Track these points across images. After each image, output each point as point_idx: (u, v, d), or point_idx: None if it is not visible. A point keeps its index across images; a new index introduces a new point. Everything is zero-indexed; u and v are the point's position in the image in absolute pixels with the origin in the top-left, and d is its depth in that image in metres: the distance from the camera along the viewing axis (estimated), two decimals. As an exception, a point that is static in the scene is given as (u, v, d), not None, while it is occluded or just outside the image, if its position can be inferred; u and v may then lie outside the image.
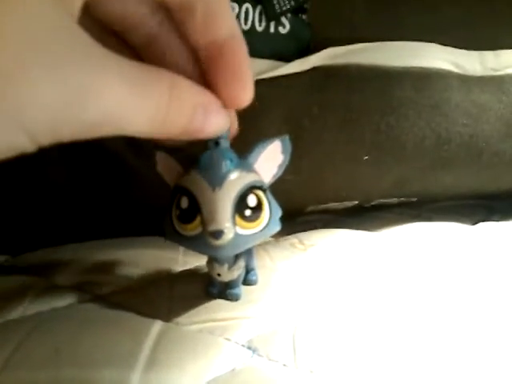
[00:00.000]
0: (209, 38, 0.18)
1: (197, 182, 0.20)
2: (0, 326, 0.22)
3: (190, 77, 0.17)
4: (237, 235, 0.20)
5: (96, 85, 0.13)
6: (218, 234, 0.19)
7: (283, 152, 0.22)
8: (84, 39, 0.13)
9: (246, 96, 0.19)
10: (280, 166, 0.23)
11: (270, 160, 0.22)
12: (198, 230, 0.20)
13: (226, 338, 0.21)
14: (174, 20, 0.19)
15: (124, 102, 0.14)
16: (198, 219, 0.20)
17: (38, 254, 0.31)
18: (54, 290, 0.26)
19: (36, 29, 0.12)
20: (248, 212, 0.20)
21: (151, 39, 0.19)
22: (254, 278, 0.26)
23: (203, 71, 0.19)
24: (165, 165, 0.23)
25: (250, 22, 0.31)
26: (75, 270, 0.28)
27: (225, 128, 0.19)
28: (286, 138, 0.22)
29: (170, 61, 0.20)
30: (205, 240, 0.20)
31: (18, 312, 0.24)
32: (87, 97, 0.13)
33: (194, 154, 0.21)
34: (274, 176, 0.23)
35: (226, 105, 0.19)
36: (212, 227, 0.19)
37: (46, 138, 0.13)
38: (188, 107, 0.17)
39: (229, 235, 0.19)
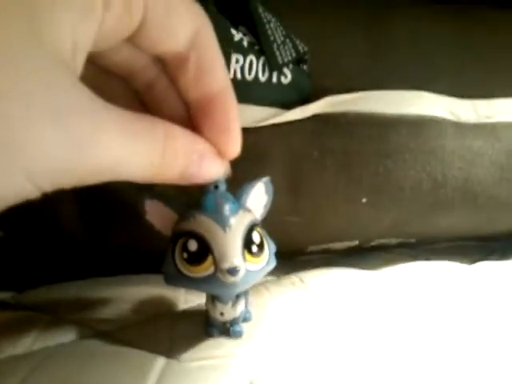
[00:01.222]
0: (200, 91, 0.19)
1: (206, 224, 0.21)
2: (5, 360, 0.23)
3: (186, 125, 0.18)
4: (247, 271, 0.21)
5: (95, 134, 0.14)
6: (234, 271, 0.20)
7: (266, 192, 0.24)
8: (85, 93, 0.14)
9: (232, 149, 0.20)
10: (265, 206, 0.24)
11: (257, 201, 0.24)
12: (210, 271, 0.21)
13: (228, 374, 0.21)
14: (168, 73, 0.20)
15: (122, 151, 0.15)
16: (210, 260, 0.21)
17: (41, 291, 0.32)
18: (58, 326, 0.26)
19: (40, 83, 0.12)
20: (255, 248, 0.21)
21: (151, 86, 0.20)
22: (247, 315, 0.27)
23: (193, 122, 0.20)
24: (156, 213, 0.23)
25: (253, 73, 0.33)
26: (78, 307, 0.29)
27: (221, 173, 0.20)
28: (267, 179, 0.24)
29: (167, 108, 0.20)
30: (217, 279, 0.20)
31: (22, 347, 0.24)
32: (87, 147, 0.13)
33: (188, 201, 0.22)
34: (261, 215, 0.24)
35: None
36: (227, 265, 0.20)
37: (49, 186, 0.14)
38: (182, 155, 0.17)
39: (242, 271, 0.20)
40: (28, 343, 0.25)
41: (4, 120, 0.12)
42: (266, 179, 0.24)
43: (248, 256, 0.21)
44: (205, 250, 0.21)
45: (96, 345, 0.24)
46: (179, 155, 0.17)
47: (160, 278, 0.32)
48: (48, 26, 0.13)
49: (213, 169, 0.19)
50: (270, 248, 0.23)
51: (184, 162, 0.18)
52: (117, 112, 0.15)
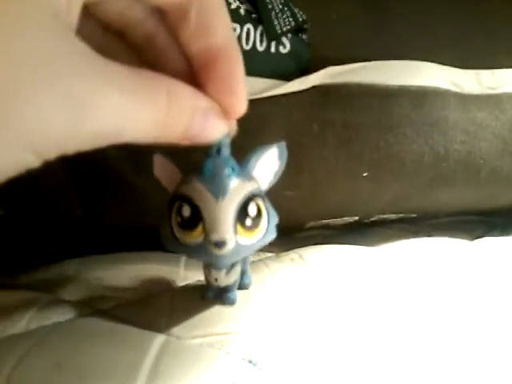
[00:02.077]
0: (202, 45, 0.18)
1: (200, 191, 0.20)
2: (3, 340, 0.22)
3: (188, 81, 0.17)
4: (237, 244, 0.20)
5: (96, 96, 0.13)
6: (221, 244, 0.19)
7: (280, 158, 0.23)
8: (83, 51, 0.13)
9: (239, 105, 0.19)
10: (276, 174, 0.23)
11: (267, 167, 0.22)
12: (200, 239, 0.20)
13: (226, 352, 0.21)
14: (169, 25, 0.18)
15: (124, 112, 0.14)
16: (200, 228, 0.20)
17: (40, 270, 0.32)
18: (56, 304, 0.26)
19: (35, 45, 0.12)
20: (249, 221, 0.20)
21: (150, 39, 0.19)
22: (247, 281, 0.26)
23: (196, 78, 0.19)
24: (163, 169, 0.22)
25: (251, 42, 0.32)
26: (77, 285, 0.28)
27: (224, 133, 0.19)
28: (283, 144, 0.22)
29: (168, 62, 0.19)
30: (206, 249, 0.20)
31: (20, 326, 0.24)
32: (89, 108, 0.13)
33: (194, 161, 0.20)
34: (270, 183, 0.23)
35: None
36: (215, 237, 0.19)
37: (51, 153, 0.13)
38: (187, 112, 0.17)
39: (230, 245, 0.19)
40: (25, 322, 0.24)
41: None
42: (281, 144, 0.22)
43: (240, 229, 0.20)
44: (196, 218, 0.20)
45: (94, 323, 0.24)
46: (183, 112, 0.16)
47: (158, 255, 0.32)
48: None
49: (217, 128, 0.18)
50: (270, 220, 0.21)
51: (188, 119, 0.17)
52: (117, 69, 0.14)
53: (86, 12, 0.16)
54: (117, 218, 0.34)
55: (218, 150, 0.20)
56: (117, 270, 0.30)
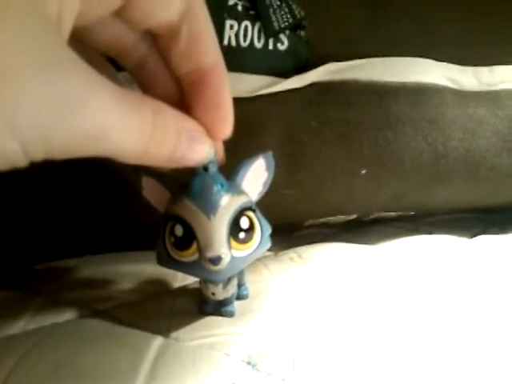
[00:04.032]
0: (191, 65, 0.18)
1: (190, 210, 0.20)
2: (1, 340, 0.22)
3: (175, 104, 0.17)
4: (233, 258, 0.20)
5: (85, 94, 0.13)
6: (217, 260, 0.19)
7: (267, 169, 0.23)
8: (75, 57, 0.13)
9: (223, 128, 0.19)
10: (265, 184, 0.23)
11: (256, 178, 0.22)
12: (195, 257, 0.20)
13: (226, 354, 0.21)
14: (160, 47, 0.19)
15: (110, 116, 0.14)
16: (195, 246, 0.20)
17: (38, 269, 0.31)
18: (55, 305, 0.26)
19: (26, 36, 0.12)
20: (242, 235, 0.20)
21: (141, 64, 0.20)
22: (245, 292, 0.26)
23: (184, 101, 0.19)
24: (152, 190, 0.23)
25: (249, 39, 0.31)
26: (75, 285, 0.28)
27: (210, 156, 0.19)
28: (269, 154, 0.22)
29: (157, 86, 0.20)
30: (202, 265, 0.20)
31: (18, 327, 0.24)
32: (76, 104, 0.13)
33: (182, 180, 0.21)
34: (260, 194, 0.23)
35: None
36: (210, 254, 0.19)
37: (37, 149, 0.13)
38: (172, 134, 0.17)
39: (226, 260, 0.20)
40: (23, 322, 0.24)
41: None
42: (267, 154, 0.22)
43: (234, 243, 0.20)
44: (190, 237, 0.20)
45: (93, 324, 0.24)
46: (168, 134, 0.17)
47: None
48: None
49: (202, 150, 0.18)
50: (262, 231, 0.22)
51: (173, 141, 0.17)
52: (106, 81, 0.14)
53: (79, 36, 0.16)
54: (116, 216, 0.33)
55: (206, 168, 0.20)
56: (115, 270, 0.30)
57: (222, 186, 0.20)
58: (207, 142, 0.19)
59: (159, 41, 0.19)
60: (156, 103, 0.16)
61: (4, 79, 0.12)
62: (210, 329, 0.23)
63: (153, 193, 0.23)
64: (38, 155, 0.13)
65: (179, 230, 0.20)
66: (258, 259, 0.32)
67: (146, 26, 0.18)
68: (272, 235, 0.22)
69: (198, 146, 0.18)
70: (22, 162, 0.13)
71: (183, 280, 0.29)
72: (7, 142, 0.12)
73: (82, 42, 0.17)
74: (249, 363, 0.21)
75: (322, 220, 0.38)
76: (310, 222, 0.39)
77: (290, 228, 0.40)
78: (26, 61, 0.12)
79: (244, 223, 0.21)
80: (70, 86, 0.13)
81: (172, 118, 0.17)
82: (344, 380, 0.19)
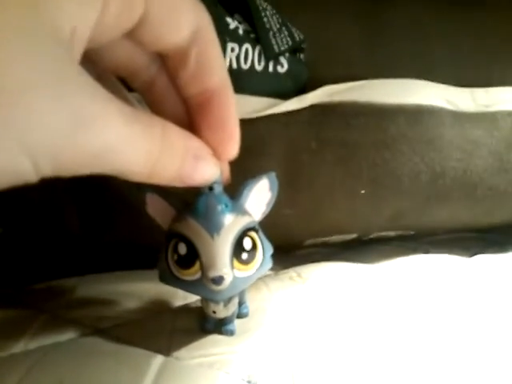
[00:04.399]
0: (199, 87, 0.19)
1: (194, 229, 0.20)
2: (2, 359, 0.22)
3: (183, 124, 0.18)
4: (235, 278, 0.20)
5: (97, 114, 0.13)
6: (219, 280, 0.20)
7: (271, 189, 0.23)
8: (85, 76, 0.14)
9: (229, 148, 0.19)
10: (268, 204, 0.23)
11: (259, 198, 0.23)
12: (198, 275, 0.20)
13: (226, 372, 0.21)
14: (168, 69, 0.19)
15: (120, 134, 0.14)
16: (197, 265, 0.20)
17: (39, 288, 0.31)
18: (56, 323, 0.26)
19: (39, 55, 0.12)
20: (244, 255, 0.21)
21: (150, 85, 0.20)
22: (245, 310, 0.26)
23: (191, 121, 0.20)
24: (156, 207, 0.23)
25: (249, 62, 0.32)
26: (76, 304, 0.28)
27: (215, 176, 0.19)
28: (273, 174, 0.23)
29: (166, 107, 0.20)
30: (204, 284, 0.20)
31: (20, 346, 0.24)
32: (85, 123, 0.13)
33: (187, 198, 0.21)
34: (263, 214, 0.23)
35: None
36: (212, 274, 0.20)
37: (48, 166, 0.13)
38: (178, 153, 0.17)
39: (228, 280, 0.20)
40: (26, 341, 0.24)
41: None
42: (270, 174, 0.23)
43: (237, 263, 0.20)
44: (193, 255, 0.20)
45: (94, 343, 0.24)
46: (175, 154, 0.17)
47: (156, 273, 0.32)
48: (47, 10, 0.13)
49: (208, 170, 0.18)
50: (265, 251, 0.22)
51: (180, 159, 0.17)
52: (116, 100, 0.14)
53: (90, 58, 0.17)
54: (116, 235, 0.33)
55: (211, 187, 0.20)
56: (116, 289, 0.30)
57: (226, 205, 0.20)
58: (213, 162, 0.19)
59: (168, 62, 0.19)
60: (164, 123, 0.16)
61: (17, 97, 0.12)
62: (210, 347, 0.23)
63: (156, 209, 0.23)
64: (48, 171, 0.13)
65: (183, 249, 0.20)
66: (259, 278, 0.32)
67: (155, 48, 0.18)
68: (272, 254, 0.23)
69: (204, 166, 0.18)
70: (32, 178, 0.13)
71: (184, 299, 0.29)
72: (19, 159, 0.12)
73: (94, 62, 0.18)
74: (249, 382, 0.21)
75: (322, 239, 0.39)
76: (310, 241, 0.39)
77: (290, 247, 0.40)
78: (37, 79, 0.12)
79: (247, 244, 0.21)
80: (81, 104, 0.13)
81: (179, 137, 0.17)
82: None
